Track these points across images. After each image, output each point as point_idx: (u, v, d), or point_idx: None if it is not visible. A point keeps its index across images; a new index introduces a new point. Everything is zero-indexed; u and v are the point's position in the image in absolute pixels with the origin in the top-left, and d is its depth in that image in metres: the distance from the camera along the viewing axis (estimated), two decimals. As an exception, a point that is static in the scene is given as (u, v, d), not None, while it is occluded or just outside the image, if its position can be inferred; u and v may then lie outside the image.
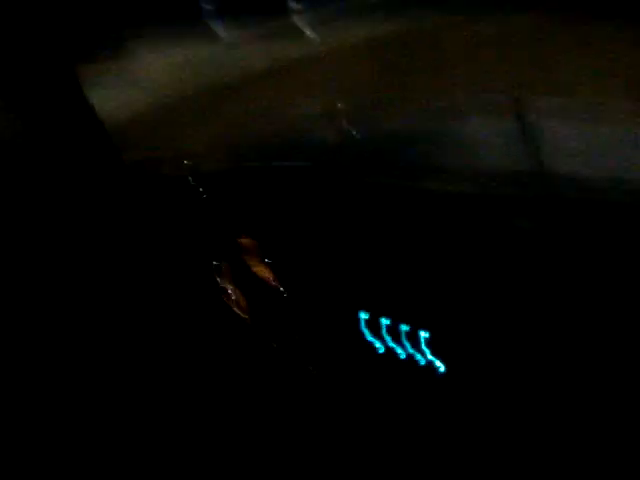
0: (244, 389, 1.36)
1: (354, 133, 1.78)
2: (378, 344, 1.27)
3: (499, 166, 1.44)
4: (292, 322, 1.32)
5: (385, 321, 1.26)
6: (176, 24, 1.47)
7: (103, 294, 1.40)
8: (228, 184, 1.40)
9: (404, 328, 1.25)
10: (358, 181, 1.34)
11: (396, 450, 1.26)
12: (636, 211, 1.20)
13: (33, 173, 1.39)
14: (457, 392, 1.23)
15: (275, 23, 1.45)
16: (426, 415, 1.25)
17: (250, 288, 1.34)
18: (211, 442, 1.36)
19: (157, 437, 1.37)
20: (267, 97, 1.51)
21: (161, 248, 1.40)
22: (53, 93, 1.41)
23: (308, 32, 1.43)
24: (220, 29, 1.47)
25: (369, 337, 1.27)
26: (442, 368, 1.23)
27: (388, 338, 1.27)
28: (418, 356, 1.24)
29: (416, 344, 1.25)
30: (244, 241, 1.34)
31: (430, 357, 1.24)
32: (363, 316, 1.27)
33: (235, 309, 1.35)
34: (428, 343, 1.23)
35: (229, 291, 1.36)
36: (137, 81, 1.54)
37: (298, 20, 1.42)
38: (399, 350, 1.25)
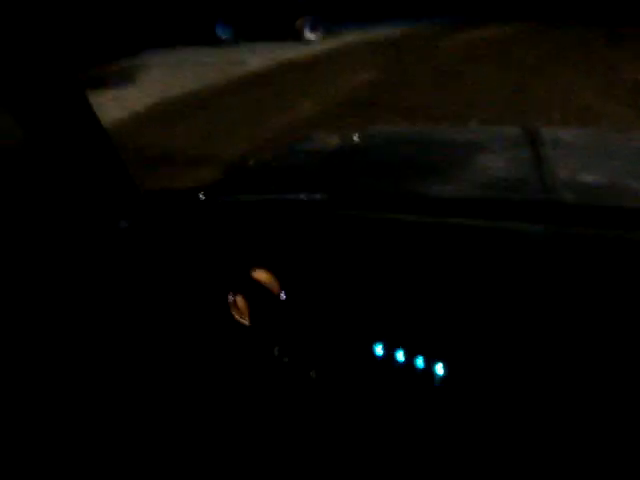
0: (244, 394, 1.37)
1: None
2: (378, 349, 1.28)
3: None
4: (293, 329, 1.32)
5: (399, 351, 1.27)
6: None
7: (106, 302, 1.41)
8: (243, 216, 1.41)
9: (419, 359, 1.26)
10: (371, 214, 1.34)
11: (394, 455, 1.26)
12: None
13: (39, 187, 1.40)
14: (455, 398, 1.24)
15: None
16: (424, 421, 1.26)
17: (252, 294, 1.35)
18: (211, 447, 1.36)
19: (157, 442, 1.38)
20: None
21: (173, 278, 1.41)
22: (65, 116, 1.41)
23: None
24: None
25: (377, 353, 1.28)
26: (441, 373, 1.24)
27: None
28: (416, 361, 1.25)
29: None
30: (258, 273, 1.35)
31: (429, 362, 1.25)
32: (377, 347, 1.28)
33: (236, 316, 1.36)
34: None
35: (231, 298, 1.37)
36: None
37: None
38: (397, 355, 1.26)
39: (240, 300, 1.36)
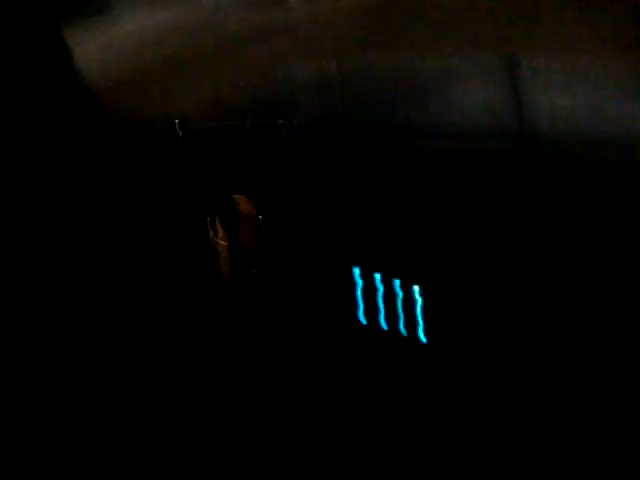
0: (228, 346, 1.37)
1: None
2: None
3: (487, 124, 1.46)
4: (271, 252, 1.33)
5: (377, 276, 1.27)
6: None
7: (98, 252, 1.40)
8: (220, 142, 1.40)
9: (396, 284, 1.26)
10: (351, 139, 1.34)
11: (381, 423, 1.26)
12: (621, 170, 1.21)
13: (17, 133, 1.38)
14: (439, 365, 1.24)
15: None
16: (410, 387, 1.26)
17: (231, 219, 1.35)
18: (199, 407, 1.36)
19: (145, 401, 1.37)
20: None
21: (153, 207, 1.40)
22: (35, 50, 1.39)
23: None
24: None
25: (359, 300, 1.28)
26: (424, 339, 1.24)
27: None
28: (401, 327, 1.25)
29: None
30: (238, 198, 1.35)
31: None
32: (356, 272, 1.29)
33: (216, 239, 1.36)
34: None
35: (217, 243, 1.37)
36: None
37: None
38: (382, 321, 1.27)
39: (219, 224, 1.36)
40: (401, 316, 1.25)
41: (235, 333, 1.36)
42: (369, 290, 1.28)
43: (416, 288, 1.24)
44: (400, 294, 1.25)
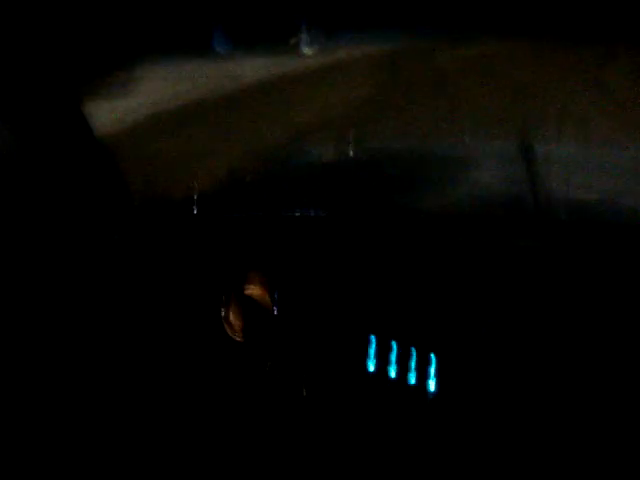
0: (236, 410, 1.37)
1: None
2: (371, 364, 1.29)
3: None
4: (285, 345, 1.33)
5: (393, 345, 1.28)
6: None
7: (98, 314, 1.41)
8: (237, 231, 1.41)
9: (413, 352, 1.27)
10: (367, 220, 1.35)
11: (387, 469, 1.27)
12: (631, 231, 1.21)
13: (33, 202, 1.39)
14: (448, 413, 1.24)
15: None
16: (417, 436, 1.26)
17: (246, 310, 1.35)
18: (206, 460, 1.37)
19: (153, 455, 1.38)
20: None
21: (166, 292, 1.41)
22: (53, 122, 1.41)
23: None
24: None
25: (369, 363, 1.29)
26: (433, 388, 1.25)
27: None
28: (409, 375, 1.26)
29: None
30: (252, 289, 1.36)
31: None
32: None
33: (229, 332, 1.36)
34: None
35: (223, 313, 1.37)
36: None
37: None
38: (390, 369, 1.27)
39: (233, 316, 1.36)
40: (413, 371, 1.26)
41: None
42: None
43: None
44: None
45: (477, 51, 1.27)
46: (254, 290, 1.36)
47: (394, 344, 1.28)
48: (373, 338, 1.30)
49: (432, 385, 1.24)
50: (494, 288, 1.26)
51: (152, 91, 1.52)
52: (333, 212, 1.42)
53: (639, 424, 1.14)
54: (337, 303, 1.33)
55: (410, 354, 1.27)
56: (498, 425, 1.22)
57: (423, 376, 1.25)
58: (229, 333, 1.36)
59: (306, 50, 1.32)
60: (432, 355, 1.26)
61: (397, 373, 1.26)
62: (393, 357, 1.27)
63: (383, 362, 1.27)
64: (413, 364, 1.27)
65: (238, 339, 1.35)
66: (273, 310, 1.34)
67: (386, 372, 1.27)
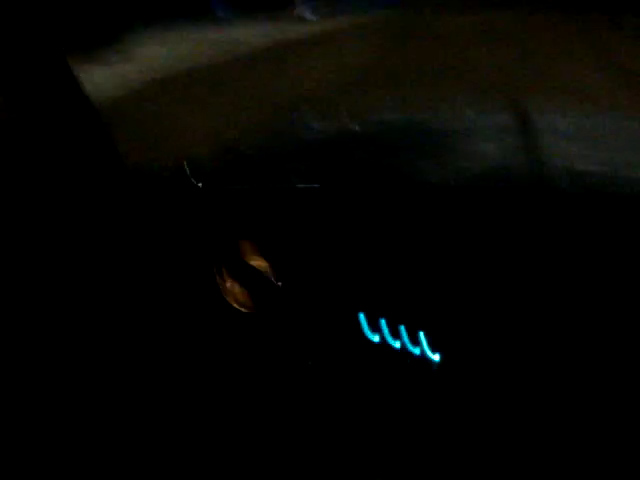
0: (243, 383, 1.38)
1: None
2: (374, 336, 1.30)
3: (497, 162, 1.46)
4: (290, 315, 1.33)
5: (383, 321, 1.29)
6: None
7: (100, 295, 1.41)
8: (237, 203, 1.41)
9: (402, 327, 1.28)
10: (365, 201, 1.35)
11: (390, 443, 1.28)
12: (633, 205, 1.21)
13: (28, 170, 1.38)
14: (451, 384, 1.25)
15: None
16: (420, 408, 1.27)
17: (249, 281, 1.35)
18: (209, 435, 1.38)
19: (154, 430, 1.39)
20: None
21: (160, 251, 1.41)
22: (49, 89, 1.39)
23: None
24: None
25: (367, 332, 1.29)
26: (437, 359, 1.26)
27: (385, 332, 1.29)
28: (412, 348, 1.27)
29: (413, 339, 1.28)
30: (244, 244, 1.36)
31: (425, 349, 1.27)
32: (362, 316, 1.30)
33: (234, 304, 1.37)
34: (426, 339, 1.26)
35: (228, 286, 1.37)
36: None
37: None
38: (394, 342, 1.28)
39: (237, 287, 1.36)
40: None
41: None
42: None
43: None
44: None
45: (477, 18, 1.25)
46: (255, 260, 1.36)
47: (395, 316, 1.29)
48: (374, 309, 1.31)
49: (436, 357, 1.25)
50: (495, 259, 1.26)
51: (148, 55, 1.51)
52: (331, 183, 1.41)
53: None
54: (338, 274, 1.33)
55: (412, 327, 1.28)
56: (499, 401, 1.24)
57: (428, 347, 1.26)
58: (231, 304, 1.36)
59: (305, 16, 1.30)
60: (431, 328, 1.27)
61: (401, 344, 1.26)
62: (395, 328, 1.28)
63: (386, 333, 1.28)
64: (418, 336, 1.28)
65: (241, 309, 1.36)
66: (275, 280, 1.35)
67: (389, 343, 1.27)
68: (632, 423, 1.17)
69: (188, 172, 1.42)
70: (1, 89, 1.33)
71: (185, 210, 1.42)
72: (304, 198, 1.37)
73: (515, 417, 1.23)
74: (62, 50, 1.36)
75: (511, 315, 1.23)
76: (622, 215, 1.22)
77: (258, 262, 1.36)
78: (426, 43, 1.34)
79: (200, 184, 1.41)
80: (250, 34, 1.46)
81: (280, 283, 1.34)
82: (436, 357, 1.25)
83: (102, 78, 1.51)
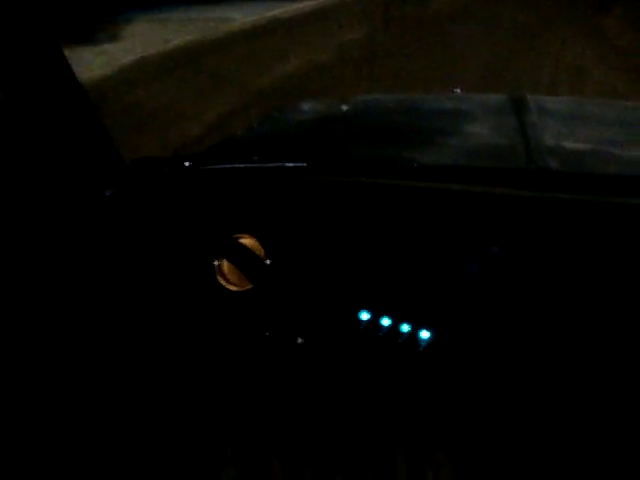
0: (233, 362, 1.39)
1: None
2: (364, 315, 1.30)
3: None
4: (279, 294, 1.34)
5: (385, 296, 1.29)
6: None
7: (100, 285, 1.41)
8: (228, 183, 1.41)
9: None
10: (352, 180, 1.35)
11: (383, 420, 1.29)
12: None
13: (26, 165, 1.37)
14: (441, 362, 1.26)
15: None
16: (408, 385, 1.28)
17: (239, 260, 1.35)
18: (205, 413, 1.39)
19: (150, 406, 1.40)
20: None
21: (159, 245, 1.41)
22: (45, 84, 1.37)
23: None
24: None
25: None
26: (427, 336, 1.27)
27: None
28: (402, 327, 1.28)
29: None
30: (244, 239, 1.36)
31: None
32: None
33: (222, 282, 1.37)
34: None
35: (216, 265, 1.38)
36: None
37: None
38: (384, 321, 1.29)
39: (226, 265, 1.37)
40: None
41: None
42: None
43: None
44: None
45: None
46: (246, 239, 1.36)
47: (386, 295, 1.30)
48: (365, 287, 1.31)
49: (425, 334, 1.26)
50: (486, 238, 1.27)
51: (140, 35, 1.50)
52: (322, 163, 1.42)
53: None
54: (328, 253, 1.34)
55: (402, 306, 1.29)
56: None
57: (416, 325, 1.27)
58: (222, 283, 1.37)
59: None
60: (424, 308, 1.27)
61: (390, 321, 1.27)
62: (386, 306, 1.29)
63: (376, 311, 1.29)
64: (406, 313, 1.28)
65: (232, 288, 1.36)
66: (265, 259, 1.35)
67: (378, 321, 1.28)
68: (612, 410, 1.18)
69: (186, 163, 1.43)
70: None
71: (175, 192, 1.42)
72: (291, 177, 1.37)
73: (502, 400, 1.24)
74: (55, 32, 1.34)
75: (501, 296, 1.24)
76: (611, 193, 1.22)
77: (247, 240, 1.36)
78: (418, 21, 1.34)
79: (187, 163, 1.41)
80: (240, 13, 1.46)
81: (269, 261, 1.34)
82: (425, 335, 1.26)
83: (91, 58, 1.50)
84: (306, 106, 2.15)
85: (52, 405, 1.33)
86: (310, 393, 1.34)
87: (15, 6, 1.24)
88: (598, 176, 1.31)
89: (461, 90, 2.19)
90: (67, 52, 1.41)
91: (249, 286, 1.35)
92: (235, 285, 1.36)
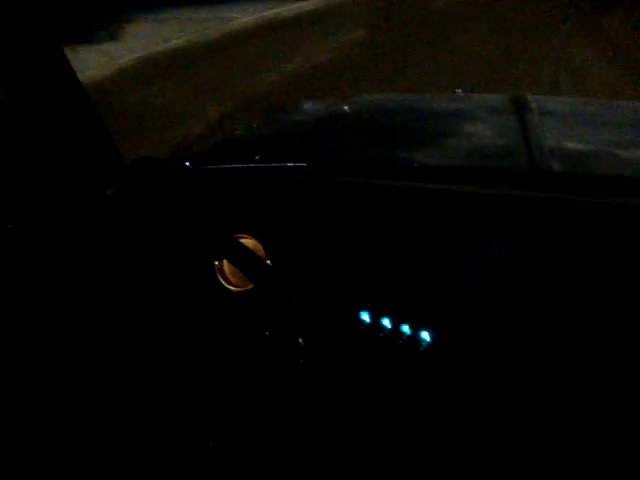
0: (233, 364, 1.39)
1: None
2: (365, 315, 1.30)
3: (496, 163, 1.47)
4: (281, 293, 1.33)
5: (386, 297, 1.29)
6: None
7: (101, 286, 1.40)
8: (228, 184, 1.40)
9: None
10: (352, 180, 1.34)
11: (382, 427, 1.28)
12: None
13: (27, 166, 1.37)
14: (442, 365, 1.26)
15: None
16: (410, 388, 1.28)
17: (240, 260, 1.35)
18: (202, 417, 1.38)
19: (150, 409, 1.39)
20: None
21: (159, 245, 1.41)
22: (46, 85, 1.37)
23: None
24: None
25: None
26: (427, 339, 1.26)
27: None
28: (403, 328, 1.27)
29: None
30: (243, 240, 1.36)
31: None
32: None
33: (223, 282, 1.37)
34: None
35: (218, 266, 1.38)
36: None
37: None
38: (385, 322, 1.28)
39: (227, 266, 1.36)
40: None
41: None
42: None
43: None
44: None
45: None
46: (246, 240, 1.36)
47: (388, 297, 1.29)
48: (367, 289, 1.31)
49: (426, 336, 1.26)
50: (489, 239, 1.26)
51: (140, 35, 1.50)
52: (323, 164, 1.41)
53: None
54: (329, 254, 1.34)
55: (404, 308, 1.28)
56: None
57: (417, 328, 1.27)
58: (223, 284, 1.36)
59: None
60: (426, 309, 1.27)
61: (391, 324, 1.27)
62: (388, 308, 1.28)
63: (378, 313, 1.28)
64: (408, 316, 1.28)
65: (232, 289, 1.36)
66: (266, 259, 1.35)
67: (380, 323, 1.28)
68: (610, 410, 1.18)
69: (180, 154, 1.42)
70: None
71: (176, 192, 1.42)
72: (292, 177, 1.37)
73: (505, 407, 1.24)
74: (55, 32, 1.34)
75: (504, 299, 1.24)
76: (613, 194, 1.22)
77: (248, 240, 1.36)
78: (419, 22, 1.33)
79: (187, 163, 1.41)
80: (242, 12, 1.46)
81: (270, 261, 1.34)
82: (426, 336, 1.25)
83: (93, 58, 1.50)
84: (306, 106, 2.15)
85: (52, 405, 1.34)
86: (310, 394, 1.34)
87: (16, 6, 1.24)
88: (599, 177, 1.31)
89: (462, 91, 2.19)
90: (68, 52, 1.41)
91: (250, 287, 1.35)
92: (236, 286, 1.36)
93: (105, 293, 1.36)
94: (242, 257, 1.31)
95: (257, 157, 1.42)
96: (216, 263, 1.36)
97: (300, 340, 1.29)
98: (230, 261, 1.33)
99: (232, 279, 1.36)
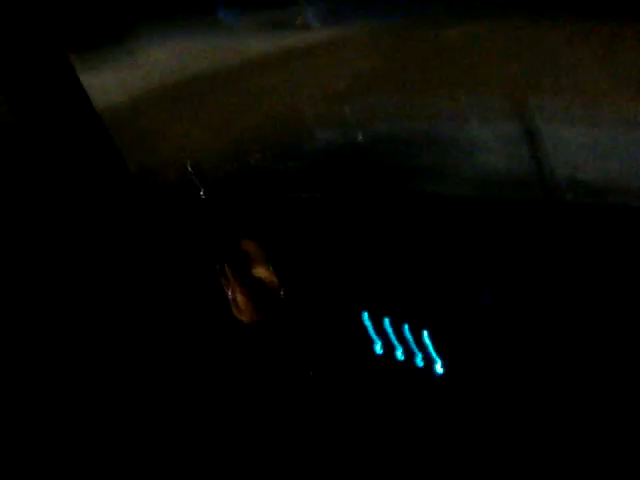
0: (244, 392, 1.38)
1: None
2: (378, 343, 1.29)
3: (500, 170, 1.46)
4: (293, 325, 1.33)
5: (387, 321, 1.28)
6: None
7: (105, 300, 1.40)
8: (231, 193, 1.41)
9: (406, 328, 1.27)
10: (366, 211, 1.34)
11: (394, 452, 1.27)
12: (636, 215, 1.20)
13: (32, 177, 1.38)
14: (454, 395, 1.25)
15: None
16: (424, 417, 1.27)
17: (253, 290, 1.35)
18: (212, 446, 1.38)
19: (157, 443, 1.39)
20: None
21: (164, 255, 1.41)
22: (54, 94, 1.39)
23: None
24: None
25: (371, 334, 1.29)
26: (440, 369, 1.25)
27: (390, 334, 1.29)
28: (416, 357, 1.26)
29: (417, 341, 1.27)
30: (247, 244, 1.36)
31: (430, 354, 1.26)
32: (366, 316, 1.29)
33: (236, 313, 1.37)
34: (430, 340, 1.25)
35: (230, 294, 1.37)
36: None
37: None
38: (398, 351, 1.27)
39: (241, 298, 1.36)
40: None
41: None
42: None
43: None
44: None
45: (482, 25, 1.25)
46: (260, 271, 1.36)
47: (403, 325, 1.29)
48: (383, 319, 1.30)
49: (439, 367, 1.25)
50: (500, 269, 1.26)
51: (155, 63, 1.51)
52: (336, 193, 1.41)
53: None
54: (342, 284, 1.33)
55: (417, 335, 1.27)
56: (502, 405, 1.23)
57: (431, 358, 1.26)
58: (235, 314, 1.36)
59: (310, 23, 1.30)
60: (436, 336, 1.26)
61: (405, 355, 1.26)
62: (401, 338, 1.28)
63: (391, 344, 1.28)
64: (422, 346, 1.27)
65: (244, 320, 1.36)
66: (280, 291, 1.34)
67: (394, 354, 1.27)
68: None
69: (193, 179, 1.43)
70: (4, 91, 1.34)
71: (188, 217, 1.42)
72: (308, 207, 1.37)
73: (517, 427, 1.23)
74: (65, 53, 1.35)
75: (513, 322, 1.23)
76: (627, 225, 1.21)
77: (261, 272, 1.35)
78: (427, 51, 1.33)
79: (202, 192, 1.42)
80: (255, 40, 1.47)
81: (283, 293, 1.33)
82: (439, 368, 1.24)
83: (106, 84, 1.52)
84: (317, 129, 2.15)
85: (52, 405, 1.33)
86: (320, 421, 1.33)
87: (31, 30, 1.26)
88: (613, 206, 1.30)
89: (472, 116, 2.18)
90: (81, 75, 1.43)
91: (262, 318, 1.34)
92: (248, 317, 1.36)
93: (106, 297, 1.36)
94: (256, 288, 1.31)
95: (265, 180, 1.42)
96: (229, 296, 1.36)
97: (311, 372, 1.29)
98: (243, 293, 1.33)
99: (245, 311, 1.36)
